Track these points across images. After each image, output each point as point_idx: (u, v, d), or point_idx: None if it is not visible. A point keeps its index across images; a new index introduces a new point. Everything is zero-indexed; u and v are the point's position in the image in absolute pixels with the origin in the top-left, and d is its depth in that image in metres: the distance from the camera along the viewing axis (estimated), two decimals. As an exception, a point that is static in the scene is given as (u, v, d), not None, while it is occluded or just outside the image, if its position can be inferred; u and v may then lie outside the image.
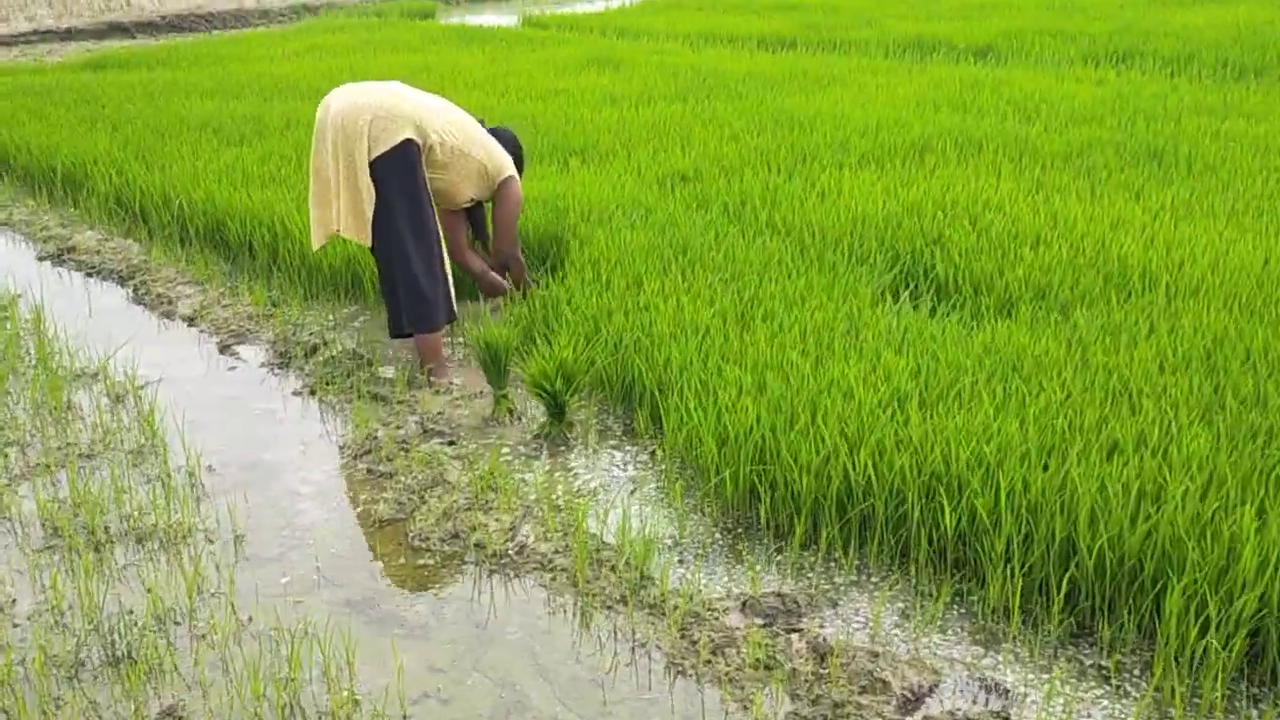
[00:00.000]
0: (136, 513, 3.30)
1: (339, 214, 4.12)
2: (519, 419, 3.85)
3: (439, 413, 3.91)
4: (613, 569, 2.93)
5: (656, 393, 3.65)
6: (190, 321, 4.93)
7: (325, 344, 4.54)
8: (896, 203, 5.18)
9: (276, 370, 4.38)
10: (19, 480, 3.53)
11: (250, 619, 2.82)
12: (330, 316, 4.90)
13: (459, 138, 4.27)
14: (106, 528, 3.22)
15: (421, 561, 3.07)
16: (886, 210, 5.05)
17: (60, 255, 5.89)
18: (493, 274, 4.72)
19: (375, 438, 3.70)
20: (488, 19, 17.40)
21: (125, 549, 3.15)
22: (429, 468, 3.50)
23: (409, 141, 4.07)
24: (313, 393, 4.14)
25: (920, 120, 6.91)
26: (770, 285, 4.25)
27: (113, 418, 3.95)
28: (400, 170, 4.05)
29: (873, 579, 2.91)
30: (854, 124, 6.83)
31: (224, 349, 4.61)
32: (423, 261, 4.12)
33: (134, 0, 19.79)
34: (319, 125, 4.13)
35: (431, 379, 4.17)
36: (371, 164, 4.03)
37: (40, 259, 5.92)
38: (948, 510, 2.82)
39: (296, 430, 3.89)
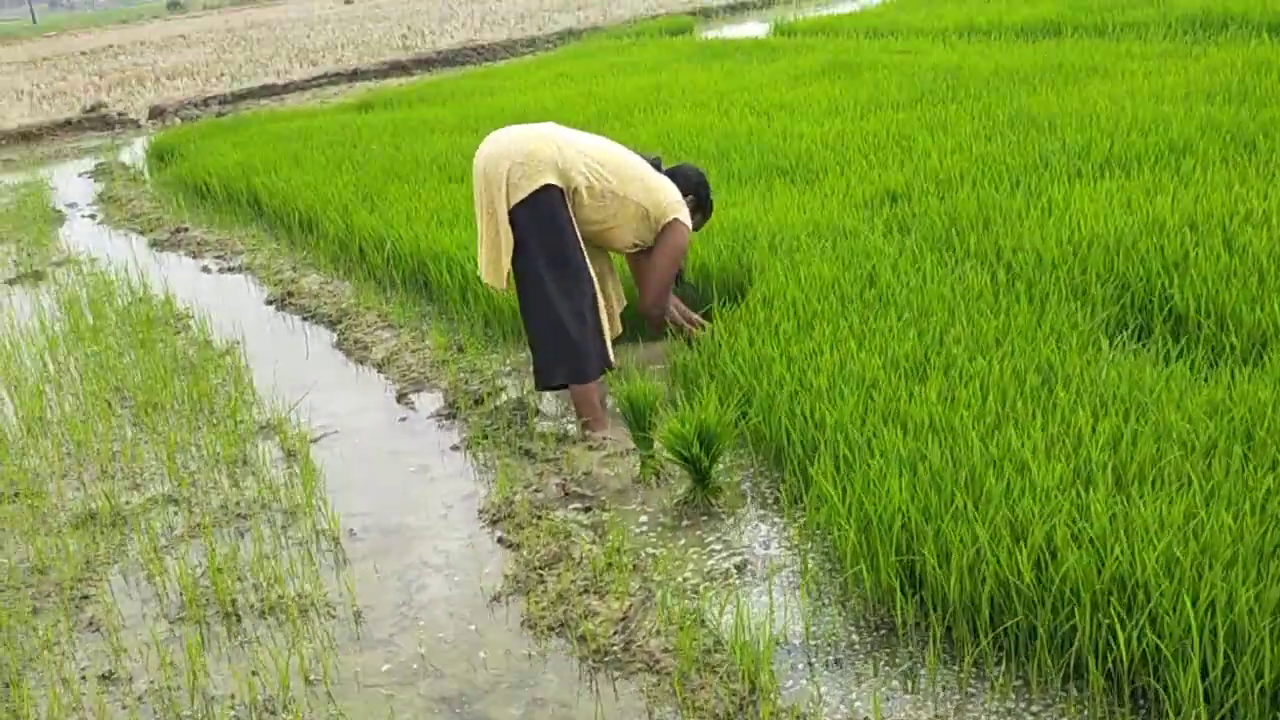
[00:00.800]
0: (269, 582, 3.26)
1: (485, 262, 4.00)
2: (666, 481, 3.55)
3: (585, 473, 3.68)
4: (721, 676, 2.57)
5: (807, 459, 3.25)
6: (380, 367, 4.96)
7: (494, 392, 4.43)
8: (1136, 218, 4.46)
9: (443, 422, 4.30)
10: (177, 542, 3.59)
11: (340, 714, 2.68)
12: (507, 361, 4.79)
13: (611, 180, 4.03)
14: (234, 600, 3.19)
15: (526, 651, 2.83)
16: (1121, 228, 4.36)
17: (284, 299, 6.15)
18: (691, 315, 4.44)
19: (512, 502, 3.51)
20: (747, 29, 17.21)
21: (250, 623, 3.10)
22: (557, 539, 3.26)
23: (549, 187, 3.88)
24: (469, 448, 4.01)
25: (1184, 115, 6.01)
26: (960, 325, 3.72)
27: (279, 473, 3.98)
28: (540, 216, 3.87)
29: (1033, 708, 2.40)
30: (1103, 123, 6.04)
31: (401, 397, 4.59)
32: (570, 309, 3.91)
33: (427, 38, 21.08)
34: (474, 173, 4.01)
35: (586, 433, 3.95)
36: (511, 212, 3.87)
37: (267, 303, 6.19)
38: (1120, 630, 2.27)
39: (444, 490, 3.77)
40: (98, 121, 15.36)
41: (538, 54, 17.62)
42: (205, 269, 7.14)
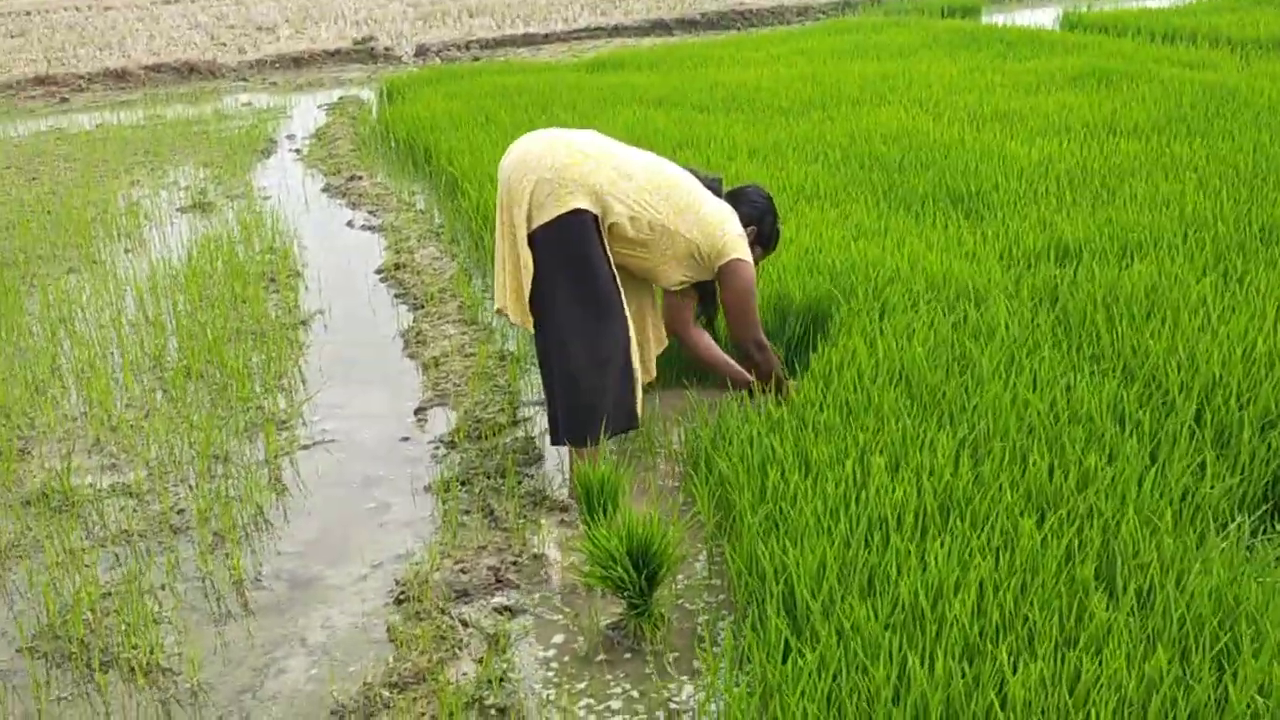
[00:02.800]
0: (133, 626, 2.86)
1: (504, 288, 3.40)
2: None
3: (536, 555, 3.06)
4: None
5: (748, 614, 2.49)
6: (424, 369, 4.51)
7: (507, 425, 3.87)
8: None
9: (438, 451, 3.78)
10: (92, 549, 3.27)
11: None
12: (548, 388, 4.21)
13: (661, 210, 3.34)
14: (84, 639, 2.81)
15: (317, 802, 2.28)
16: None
17: (392, 270, 5.82)
18: (731, 363, 3.74)
19: (426, 582, 2.95)
20: (1038, 15, 15.56)
21: (77, 676, 2.70)
22: (439, 649, 2.67)
23: (579, 212, 3.23)
24: (441, 492, 3.48)
25: None
26: (1035, 459, 2.80)
27: (241, 484, 3.59)
28: (565, 244, 3.23)
29: None
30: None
31: (419, 411, 4.11)
32: (592, 356, 3.26)
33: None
34: (498, 181, 3.43)
35: (570, 499, 3.32)
36: (531, 235, 3.25)
37: (376, 271, 5.89)
38: None
39: (384, 542, 3.25)
40: (364, 54, 15.84)
41: (807, 23, 16.68)
42: (349, 223, 6.96)
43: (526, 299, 3.29)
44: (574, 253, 3.25)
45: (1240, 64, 8.70)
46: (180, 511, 3.45)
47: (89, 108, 13.11)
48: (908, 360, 3.41)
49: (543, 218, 3.24)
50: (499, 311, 3.49)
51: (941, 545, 2.47)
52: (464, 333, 4.81)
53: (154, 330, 5.00)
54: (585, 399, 3.27)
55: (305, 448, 3.87)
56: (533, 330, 3.38)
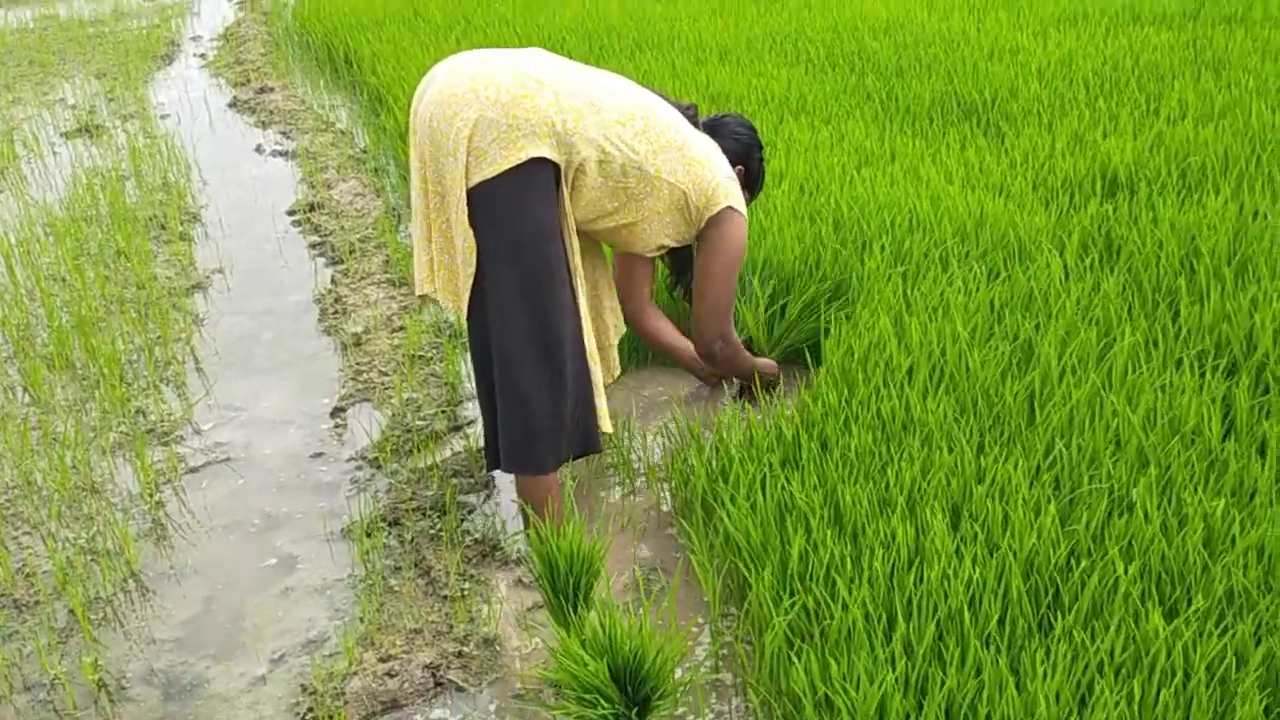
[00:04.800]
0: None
1: (432, 266, 2.58)
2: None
3: (485, 639, 2.34)
4: None
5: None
6: (345, 350, 3.71)
7: (450, 430, 3.12)
8: None
9: (358, 473, 3.02)
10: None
11: None
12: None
13: (639, 149, 2.52)
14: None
15: None
16: None
17: (307, 210, 4.96)
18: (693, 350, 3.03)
19: (343, 693, 2.22)
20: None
21: None
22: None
23: (538, 162, 2.39)
24: (362, 540, 2.73)
25: None
26: (1143, 517, 2.10)
27: (109, 531, 2.82)
28: (515, 207, 2.39)
29: None
30: None
31: (336, 413, 3.34)
32: (540, 365, 2.46)
33: None
34: (411, 119, 2.57)
35: (529, 553, 2.60)
36: (471, 191, 2.41)
37: (288, 213, 5.03)
38: None
39: (287, 622, 2.50)
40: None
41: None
42: (259, 148, 6.04)
43: (468, 288, 2.49)
44: (526, 219, 2.41)
45: None
46: (29, 576, 2.69)
47: (-27, 8, 11.79)
48: (950, 350, 2.68)
49: (486, 171, 2.37)
50: (421, 298, 2.69)
51: (1044, 662, 1.78)
52: (391, 297, 4.01)
53: (17, 304, 4.14)
54: (537, 423, 2.50)
55: (193, 470, 3.09)
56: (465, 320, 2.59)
